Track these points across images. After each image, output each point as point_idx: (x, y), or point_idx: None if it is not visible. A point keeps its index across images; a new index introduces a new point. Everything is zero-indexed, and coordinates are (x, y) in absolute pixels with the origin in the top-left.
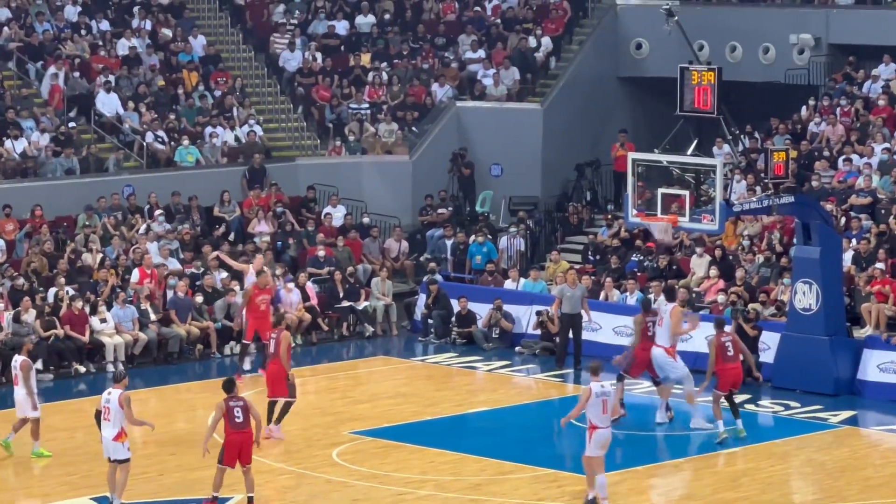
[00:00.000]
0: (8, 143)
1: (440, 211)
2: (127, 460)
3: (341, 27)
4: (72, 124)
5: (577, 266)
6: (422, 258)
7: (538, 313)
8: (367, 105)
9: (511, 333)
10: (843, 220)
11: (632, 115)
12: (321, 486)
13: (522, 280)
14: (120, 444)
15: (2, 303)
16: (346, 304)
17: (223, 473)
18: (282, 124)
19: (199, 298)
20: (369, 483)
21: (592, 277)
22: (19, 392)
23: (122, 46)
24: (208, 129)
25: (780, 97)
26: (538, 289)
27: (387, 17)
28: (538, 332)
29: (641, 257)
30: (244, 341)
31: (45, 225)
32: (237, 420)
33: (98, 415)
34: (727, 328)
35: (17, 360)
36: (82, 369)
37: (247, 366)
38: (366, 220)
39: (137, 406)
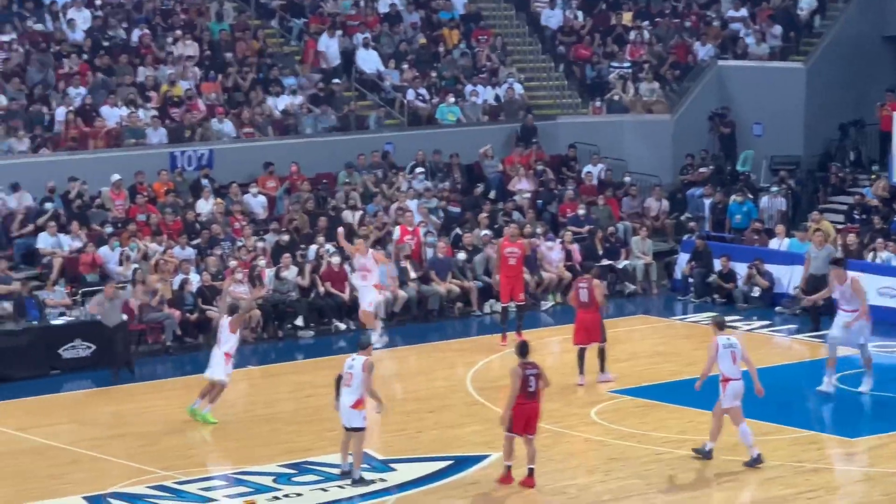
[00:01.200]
0: (270, 100)
1: (701, 170)
2: (363, 429)
3: None
4: (335, 80)
5: (840, 226)
6: (682, 217)
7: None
8: (628, 64)
9: (772, 293)
10: None
11: None
12: (579, 445)
13: (787, 240)
14: (357, 412)
15: (264, 259)
16: (605, 262)
17: (512, 442)
18: (543, 83)
19: (462, 255)
20: (627, 442)
21: (857, 238)
22: (216, 353)
23: (383, 4)
24: (469, 88)
25: None
26: (805, 249)
27: None
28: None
29: None
30: (502, 304)
31: (306, 182)
32: (530, 389)
33: (339, 380)
34: None
35: (225, 320)
36: (342, 326)
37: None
38: (626, 178)
39: (396, 364)
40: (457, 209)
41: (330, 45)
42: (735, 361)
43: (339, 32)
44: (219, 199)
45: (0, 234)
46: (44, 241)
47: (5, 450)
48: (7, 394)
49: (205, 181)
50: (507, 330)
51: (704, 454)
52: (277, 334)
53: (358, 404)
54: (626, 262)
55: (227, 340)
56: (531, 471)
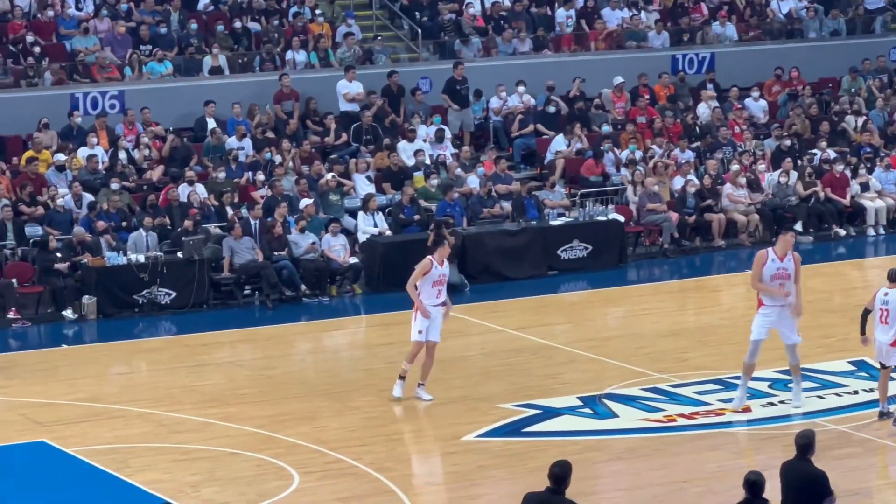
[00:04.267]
0: (773, 3)
1: None
2: None
3: None
4: None
5: None
6: None
7: None
8: None
9: None
10: None
11: None
12: None
13: None
14: None
15: (764, 163)
16: None
17: None
18: None
19: None
20: None
21: None
22: None
23: None
24: None
25: None
26: None
27: None
28: None
29: None
30: None
31: (807, 86)
32: None
33: (865, 314)
34: None
35: None
36: (842, 232)
37: None
38: None
39: None
40: None
41: None
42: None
43: None
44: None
45: (501, 133)
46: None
47: (504, 348)
48: (506, 293)
49: (709, 86)
50: None
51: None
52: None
53: None
54: None
55: None
56: None
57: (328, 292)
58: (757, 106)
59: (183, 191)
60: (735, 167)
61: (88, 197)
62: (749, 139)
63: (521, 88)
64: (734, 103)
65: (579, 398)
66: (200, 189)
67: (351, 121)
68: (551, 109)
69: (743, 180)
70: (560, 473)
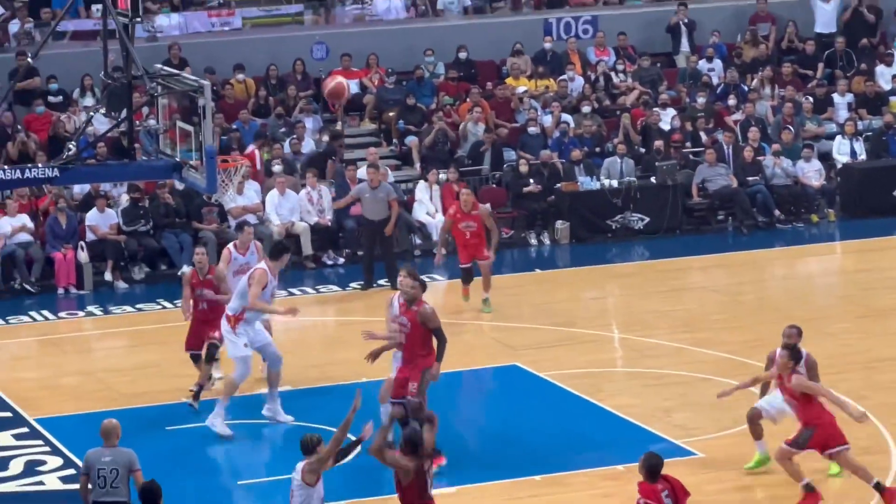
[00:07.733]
0: None
1: None
2: None
3: None
4: None
5: None
6: None
7: None
8: None
9: None
10: None
11: None
12: None
13: None
14: None
15: None
16: None
17: None
18: None
19: None
20: None
21: None
22: None
23: None
24: None
25: None
26: None
27: None
28: None
29: None
30: None
31: None
32: None
33: None
34: None
35: None
36: None
37: None
38: None
39: None
40: None
41: None
42: None
43: None
44: None
45: None
46: None
47: None
48: None
49: None
50: None
51: None
52: None
53: None
54: None
55: None
56: None
57: (804, 218)
58: None
59: (657, 116)
60: None
61: (565, 119)
62: None
63: None
64: None
65: None
66: (670, 114)
67: (826, 46)
68: None
69: None
70: None
